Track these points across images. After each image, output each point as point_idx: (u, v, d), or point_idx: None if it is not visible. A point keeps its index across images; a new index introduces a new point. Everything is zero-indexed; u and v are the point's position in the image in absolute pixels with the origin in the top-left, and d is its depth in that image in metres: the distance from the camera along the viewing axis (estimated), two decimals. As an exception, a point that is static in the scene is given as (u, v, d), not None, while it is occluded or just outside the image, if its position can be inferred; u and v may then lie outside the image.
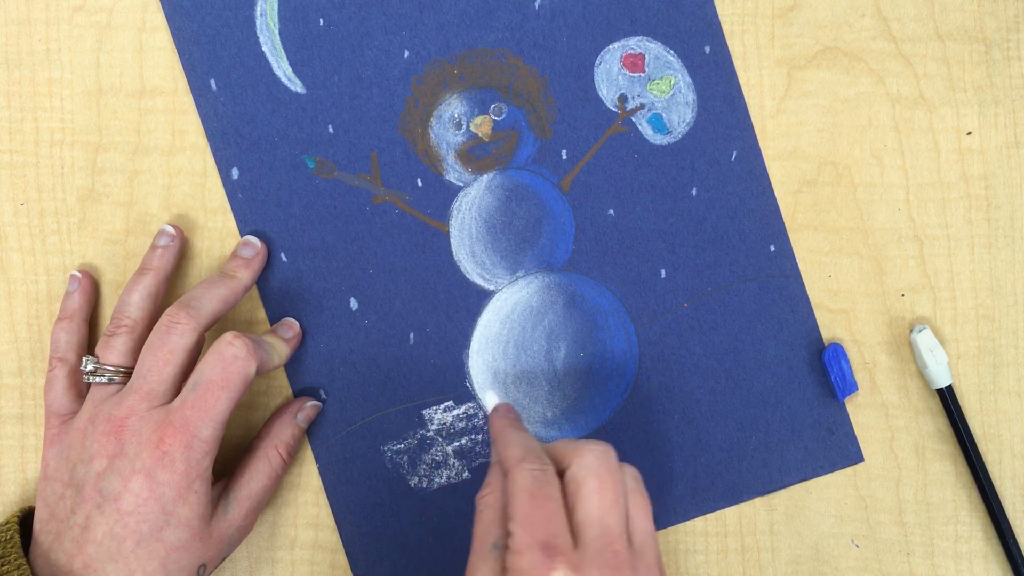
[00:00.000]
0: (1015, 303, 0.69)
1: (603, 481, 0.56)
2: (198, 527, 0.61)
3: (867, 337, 0.70)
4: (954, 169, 0.69)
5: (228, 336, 0.62)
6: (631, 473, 0.59)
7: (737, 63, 0.69)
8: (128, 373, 0.64)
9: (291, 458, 0.67)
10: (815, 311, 0.70)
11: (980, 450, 0.68)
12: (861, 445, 0.69)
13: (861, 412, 0.69)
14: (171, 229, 0.67)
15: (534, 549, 0.53)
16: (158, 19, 0.69)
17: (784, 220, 0.69)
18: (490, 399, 0.65)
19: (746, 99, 0.69)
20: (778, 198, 0.69)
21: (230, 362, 0.61)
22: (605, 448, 0.57)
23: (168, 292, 0.68)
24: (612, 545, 0.54)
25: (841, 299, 0.70)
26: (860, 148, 0.70)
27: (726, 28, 0.69)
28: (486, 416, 0.69)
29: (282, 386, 0.69)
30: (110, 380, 0.63)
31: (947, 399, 0.68)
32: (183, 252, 0.69)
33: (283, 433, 0.67)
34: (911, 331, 0.69)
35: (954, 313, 0.69)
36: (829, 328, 0.70)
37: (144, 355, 0.62)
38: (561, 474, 0.57)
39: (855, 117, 0.70)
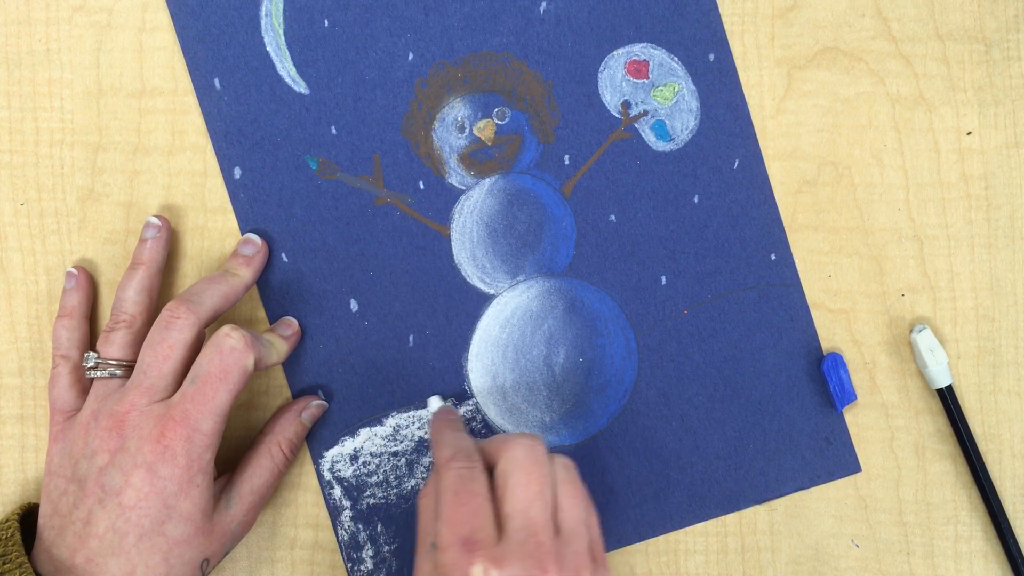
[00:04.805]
0: (1015, 303, 0.69)
1: (528, 473, 0.58)
2: (200, 521, 0.61)
3: (867, 337, 0.70)
4: (954, 169, 0.69)
5: (225, 328, 0.62)
6: (562, 463, 0.60)
7: (737, 63, 0.69)
8: (130, 367, 0.64)
9: (293, 455, 0.67)
10: (815, 311, 0.70)
11: (980, 450, 0.69)
12: (861, 445, 0.69)
13: (861, 412, 0.70)
14: (156, 220, 0.67)
15: (456, 545, 0.55)
16: (158, 19, 0.69)
17: (784, 221, 0.69)
18: (432, 403, 0.68)
19: (746, 99, 0.69)
20: (778, 198, 0.70)
21: (227, 354, 0.61)
22: (533, 441, 0.59)
23: (165, 291, 0.69)
24: (535, 536, 0.56)
25: (841, 299, 0.70)
26: (860, 148, 0.70)
27: (726, 28, 0.69)
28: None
29: (282, 386, 0.69)
30: (112, 375, 0.63)
31: (947, 399, 0.68)
32: (180, 249, 0.69)
33: (286, 430, 0.67)
34: (911, 331, 0.69)
35: (954, 313, 0.70)
36: (829, 328, 0.70)
37: (144, 351, 0.62)
38: (493, 470, 0.59)
39: (855, 117, 0.70)
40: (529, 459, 0.58)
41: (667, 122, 0.69)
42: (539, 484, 0.58)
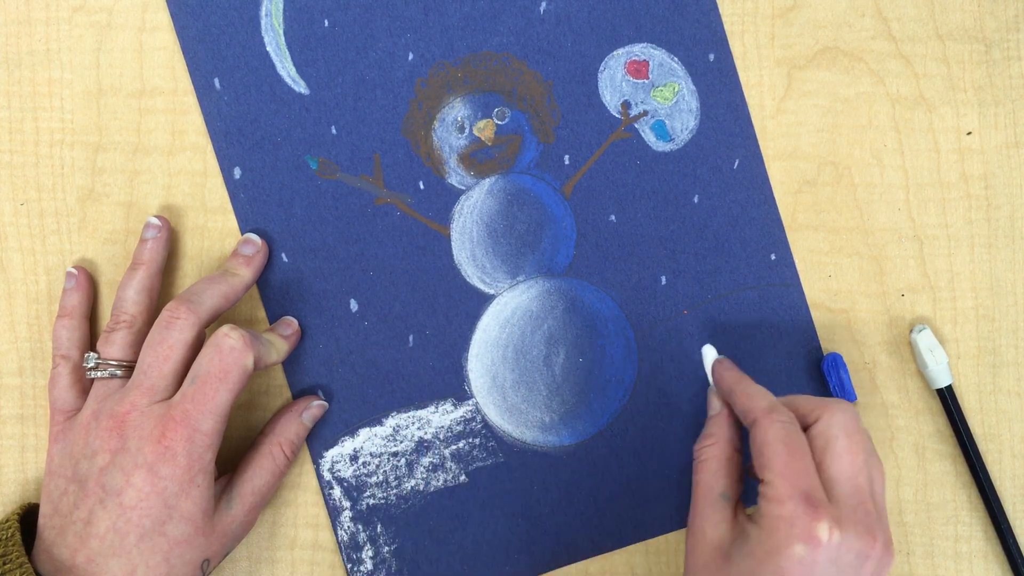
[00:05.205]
0: (1015, 303, 0.69)
1: (854, 440, 0.58)
2: (201, 521, 0.61)
3: (867, 337, 0.70)
4: (954, 169, 0.69)
5: (224, 328, 0.62)
6: (869, 434, 0.60)
7: (737, 63, 0.69)
8: (130, 367, 0.64)
9: (294, 455, 0.67)
10: (815, 311, 0.70)
11: (980, 450, 0.69)
12: (861, 445, 0.70)
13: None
14: (156, 220, 0.67)
15: (796, 499, 0.55)
16: (158, 19, 0.69)
17: (784, 221, 0.69)
18: (709, 352, 0.68)
19: (746, 99, 0.69)
20: (778, 198, 0.69)
21: (227, 353, 0.61)
22: (853, 407, 0.59)
23: (165, 291, 0.68)
24: (864, 504, 0.56)
25: (841, 299, 0.70)
26: (860, 148, 0.70)
27: (726, 28, 0.69)
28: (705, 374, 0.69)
29: (282, 386, 0.69)
30: (112, 375, 0.63)
31: (947, 399, 0.68)
32: (180, 250, 0.69)
33: (287, 431, 0.67)
34: (911, 331, 0.69)
35: (954, 313, 0.69)
36: (829, 328, 0.70)
37: (145, 351, 0.62)
38: (803, 428, 0.59)
39: (855, 117, 0.70)
40: (853, 425, 0.58)
41: (667, 122, 0.69)
42: (864, 452, 0.58)
